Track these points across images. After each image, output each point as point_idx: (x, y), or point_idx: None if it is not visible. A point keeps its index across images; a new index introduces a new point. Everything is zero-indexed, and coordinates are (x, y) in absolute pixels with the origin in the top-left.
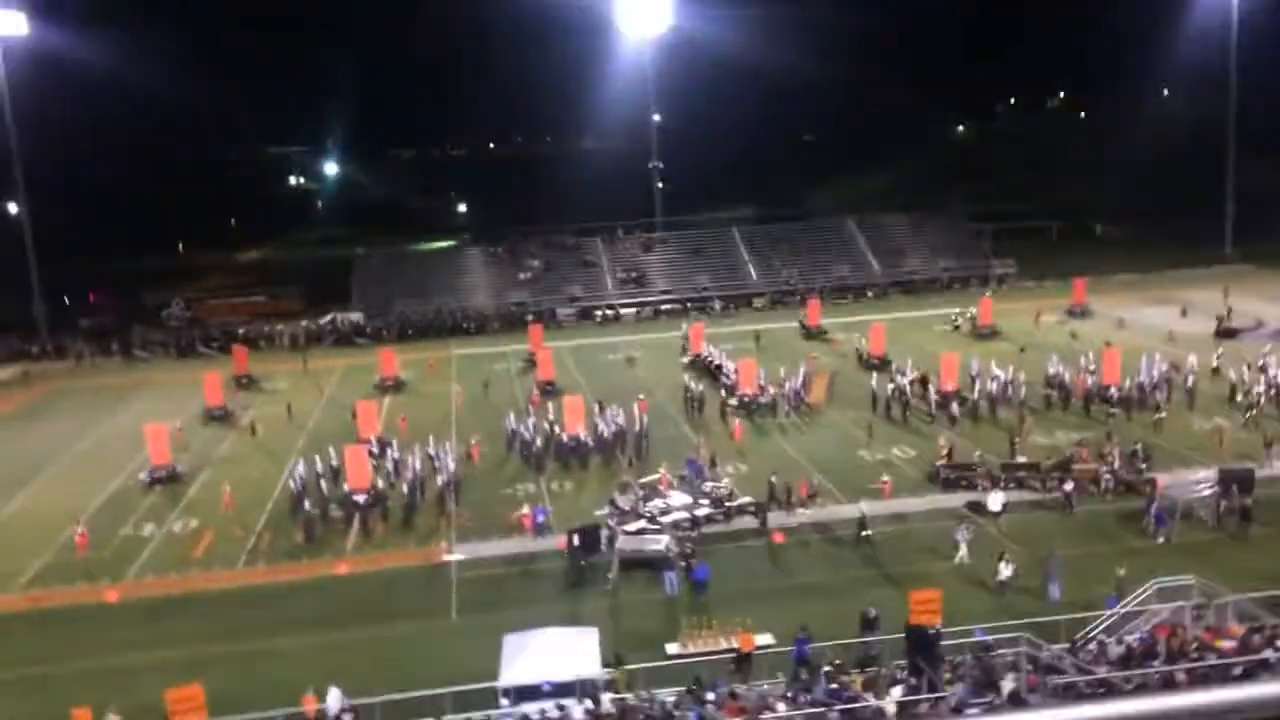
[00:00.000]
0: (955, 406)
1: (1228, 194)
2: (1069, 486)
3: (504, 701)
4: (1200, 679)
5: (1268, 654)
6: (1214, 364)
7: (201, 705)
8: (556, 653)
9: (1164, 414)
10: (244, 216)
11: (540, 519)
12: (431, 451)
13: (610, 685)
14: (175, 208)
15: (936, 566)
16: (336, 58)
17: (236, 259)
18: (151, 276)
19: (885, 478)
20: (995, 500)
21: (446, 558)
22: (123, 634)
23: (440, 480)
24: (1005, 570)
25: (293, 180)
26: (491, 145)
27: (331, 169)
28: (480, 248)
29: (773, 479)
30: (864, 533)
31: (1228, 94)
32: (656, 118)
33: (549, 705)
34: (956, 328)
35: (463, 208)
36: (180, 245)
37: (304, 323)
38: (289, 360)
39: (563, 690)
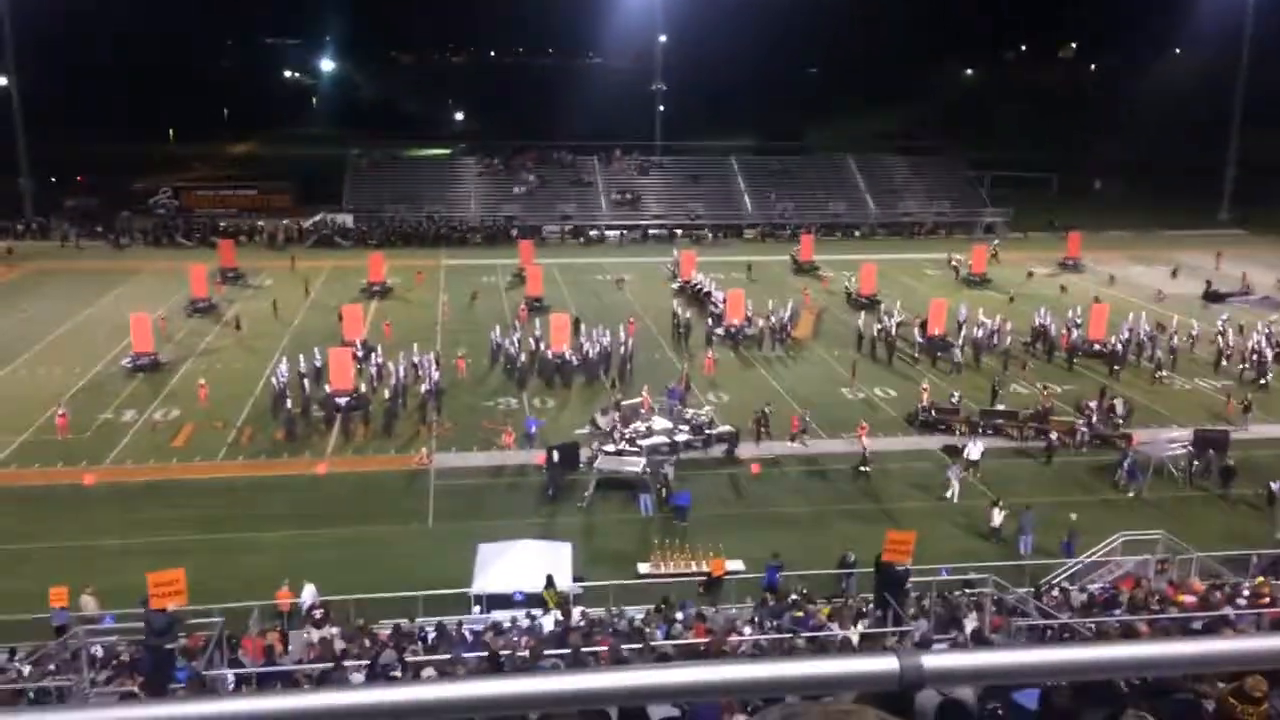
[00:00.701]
0: (958, 353)
1: (1229, 158)
2: (1054, 436)
3: (476, 608)
4: (1160, 632)
5: (1227, 610)
6: (1220, 329)
7: (182, 589)
8: (530, 564)
9: (1164, 372)
10: (236, 107)
11: (532, 429)
12: (415, 359)
13: (542, 605)
14: (168, 93)
15: (910, 505)
16: None
17: (227, 150)
18: (141, 161)
19: (863, 423)
20: (975, 449)
21: (426, 464)
22: (99, 517)
23: (423, 388)
24: (998, 517)
25: (288, 74)
26: (492, 54)
27: (328, 66)
28: (476, 158)
29: (767, 409)
30: (863, 467)
31: (1240, 58)
32: (662, 38)
33: (519, 614)
34: (958, 271)
35: (460, 116)
36: (171, 132)
37: (284, 221)
38: (275, 257)
39: (534, 601)
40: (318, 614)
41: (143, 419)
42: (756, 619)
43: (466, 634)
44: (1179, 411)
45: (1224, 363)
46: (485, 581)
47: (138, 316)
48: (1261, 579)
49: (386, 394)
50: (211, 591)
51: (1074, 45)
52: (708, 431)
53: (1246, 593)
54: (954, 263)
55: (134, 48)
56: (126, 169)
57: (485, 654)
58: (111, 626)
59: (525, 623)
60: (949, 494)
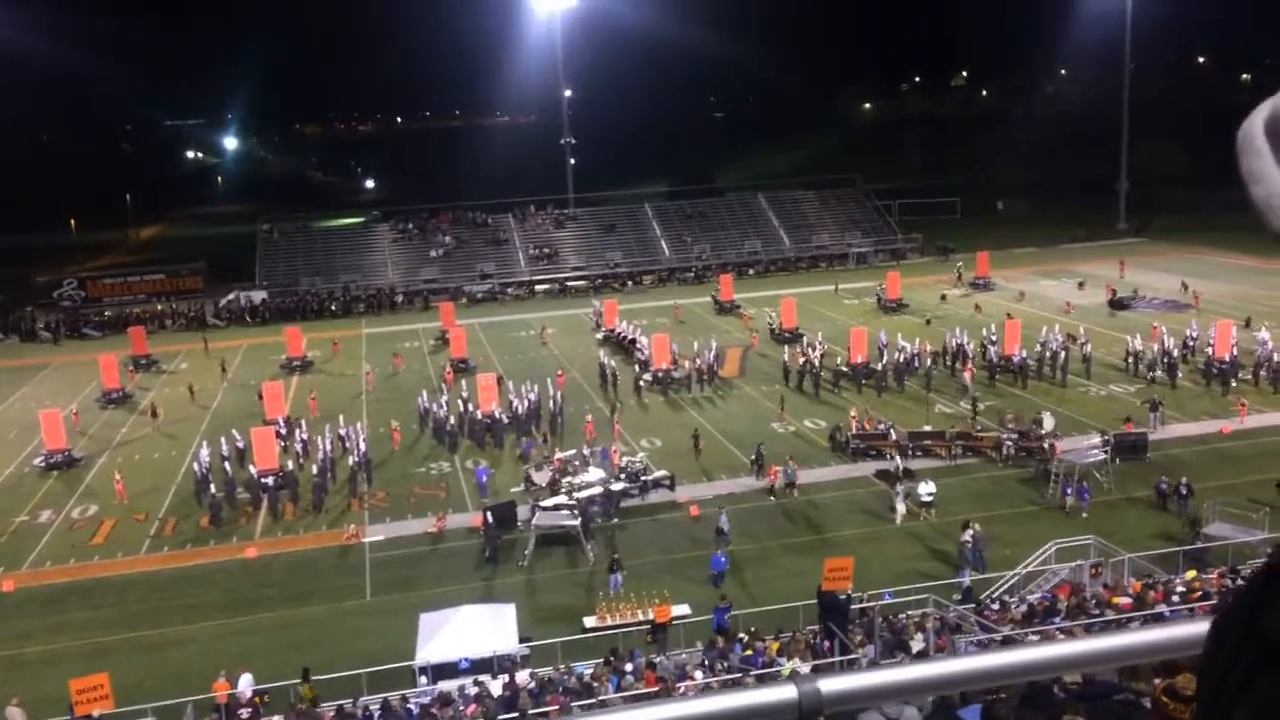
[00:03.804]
0: (967, 377)
1: (1121, 170)
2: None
3: (421, 680)
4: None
5: (1162, 609)
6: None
7: (108, 694)
8: (473, 630)
9: (1156, 373)
10: (140, 192)
11: (483, 479)
12: (342, 431)
13: (489, 670)
14: (67, 183)
15: (851, 532)
16: (236, 28)
17: (133, 236)
18: (42, 254)
19: (776, 466)
20: (925, 488)
21: (360, 539)
22: (21, 624)
23: (351, 460)
24: (966, 535)
25: (191, 154)
26: (399, 120)
27: (231, 143)
28: (389, 224)
29: (760, 447)
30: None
31: (1121, 75)
32: (567, 93)
33: (467, 682)
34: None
35: (370, 184)
36: (72, 222)
37: (159, 305)
38: (188, 340)
39: (480, 667)
40: (244, 714)
41: (60, 518)
42: (706, 661)
43: (413, 708)
44: (1096, 418)
45: (1139, 367)
46: (429, 651)
47: (48, 413)
48: (1193, 573)
49: (314, 470)
50: (144, 691)
51: (965, 74)
52: (644, 478)
53: (1180, 589)
54: (838, 291)
55: (28, 137)
56: (28, 262)
57: None
58: None
59: (473, 690)
60: (896, 517)
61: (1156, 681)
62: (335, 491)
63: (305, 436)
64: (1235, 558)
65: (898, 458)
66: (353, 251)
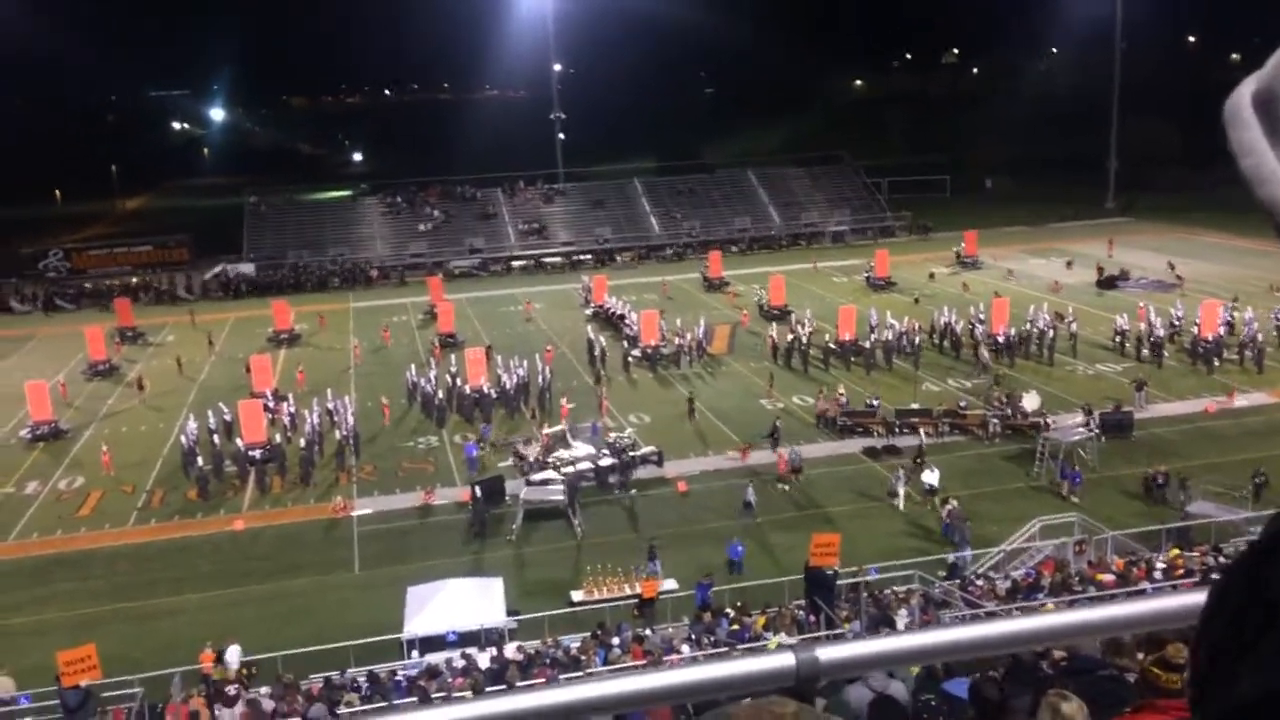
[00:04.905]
0: (985, 355)
1: (1110, 149)
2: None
3: (414, 654)
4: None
5: (1145, 586)
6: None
7: (95, 665)
8: (461, 603)
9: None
10: (126, 163)
11: (473, 453)
12: (330, 405)
13: (475, 643)
14: (52, 154)
15: (839, 509)
16: None
17: (119, 207)
18: (26, 226)
19: (744, 444)
20: (931, 476)
21: (348, 512)
22: (8, 596)
23: (339, 434)
24: (945, 511)
25: (177, 126)
26: (387, 93)
27: (218, 115)
28: (378, 198)
29: (777, 423)
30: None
31: (1111, 52)
32: (557, 67)
33: (454, 655)
34: (932, 275)
35: (358, 157)
36: (58, 193)
37: (133, 279)
38: (174, 313)
39: (468, 640)
40: (231, 690)
41: (47, 489)
42: (693, 636)
43: (401, 680)
44: (1083, 396)
45: (1126, 346)
46: (417, 624)
47: (34, 384)
48: (1175, 550)
49: (301, 443)
50: (131, 662)
51: (955, 51)
52: (631, 454)
53: (1162, 565)
54: (816, 269)
55: (10, 109)
56: (13, 233)
57: (418, 700)
58: (28, 706)
59: (460, 663)
60: (898, 502)
61: (1141, 656)
62: (323, 465)
63: (293, 409)
64: (1218, 536)
65: (923, 435)
66: (341, 225)
